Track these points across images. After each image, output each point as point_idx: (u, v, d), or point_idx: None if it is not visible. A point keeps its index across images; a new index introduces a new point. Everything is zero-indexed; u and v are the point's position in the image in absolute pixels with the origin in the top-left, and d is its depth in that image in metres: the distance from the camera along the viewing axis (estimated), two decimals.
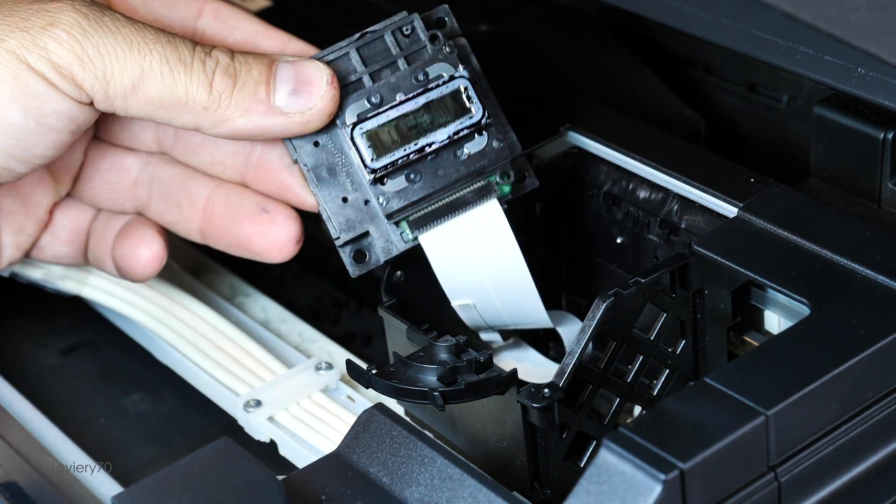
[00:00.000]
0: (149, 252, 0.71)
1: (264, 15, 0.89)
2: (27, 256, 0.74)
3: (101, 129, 0.72)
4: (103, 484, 0.66)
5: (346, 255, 0.66)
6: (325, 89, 0.65)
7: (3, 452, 0.67)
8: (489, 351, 0.67)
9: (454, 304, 0.66)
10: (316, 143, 0.66)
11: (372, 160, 0.65)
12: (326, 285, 0.84)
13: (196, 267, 0.83)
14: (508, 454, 0.62)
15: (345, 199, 0.66)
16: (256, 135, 0.65)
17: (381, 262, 0.66)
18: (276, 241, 0.69)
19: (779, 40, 0.67)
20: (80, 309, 0.79)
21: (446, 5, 0.68)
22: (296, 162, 0.66)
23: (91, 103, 0.65)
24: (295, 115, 0.65)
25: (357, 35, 0.66)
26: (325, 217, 0.66)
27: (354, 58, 0.66)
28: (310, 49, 0.69)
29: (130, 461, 0.70)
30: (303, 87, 0.65)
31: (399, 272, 0.67)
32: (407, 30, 0.66)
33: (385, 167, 0.65)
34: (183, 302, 0.78)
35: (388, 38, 0.66)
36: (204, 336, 0.76)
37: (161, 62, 0.64)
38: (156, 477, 0.57)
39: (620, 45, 0.84)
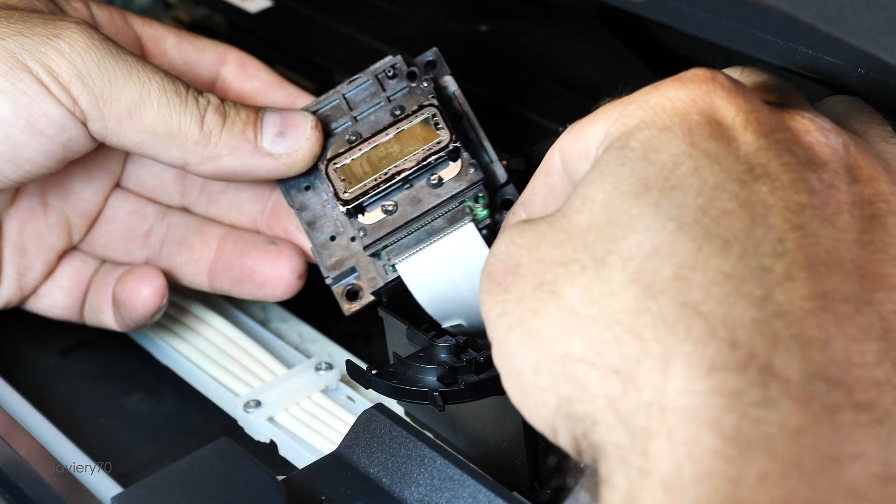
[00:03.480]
0: (150, 288, 0.71)
1: (264, 15, 0.89)
2: (22, 304, 0.74)
3: (131, 177, 0.74)
4: (103, 484, 0.66)
5: (338, 295, 0.68)
6: (310, 133, 0.67)
7: (3, 452, 0.67)
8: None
9: (444, 325, 0.66)
10: (307, 188, 0.68)
11: (344, 192, 0.65)
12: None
13: None
14: (508, 454, 0.62)
15: (333, 238, 0.68)
16: (243, 174, 0.67)
17: (371, 299, 0.67)
18: (279, 270, 0.70)
19: (779, 40, 0.66)
20: None
21: (436, 48, 0.69)
22: (291, 208, 0.68)
23: (85, 124, 0.65)
24: (281, 157, 0.67)
25: (346, 82, 0.69)
26: (316, 258, 0.68)
27: (342, 105, 0.68)
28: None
29: (130, 461, 0.70)
30: (289, 129, 0.67)
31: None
32: (390, 71, 0.68)
33: (357, 197, 0.65)
34: (183, 303, 0.78)
35: (374, 82, 0.68)
36: (204, 336, 0.76)
37: (159, 91, 0.65)
38: (156, 477, 0.58)
39: (620, 45, 0.84)
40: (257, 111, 0.68)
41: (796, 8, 0.47)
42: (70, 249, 0.74)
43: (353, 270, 0.67)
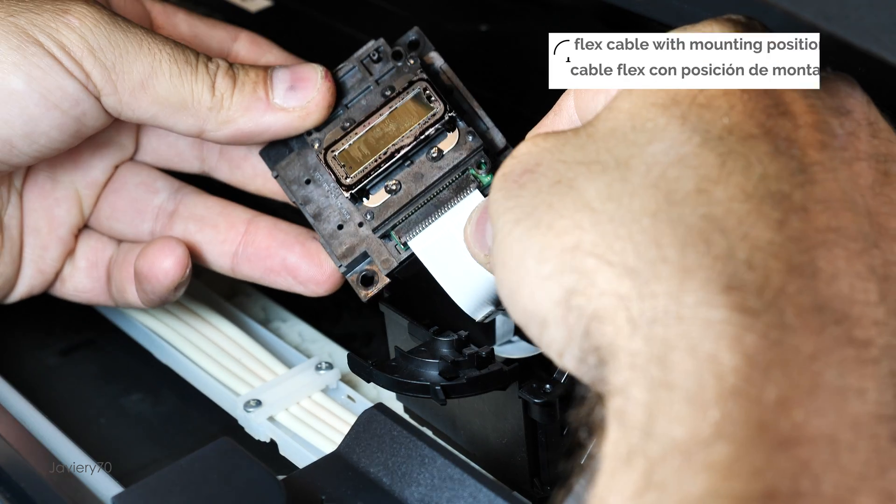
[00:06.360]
0: (172, 258, 0.69)
1: (264, 15, 0.89)
2: (49, 290, 0.73)
3: (146, 148, 0.73)
4: (103, 484, 0.66)
5: (353, 283, 0.67)
6: (321, 83, 0.67)
7: (4, 453, 0.67)
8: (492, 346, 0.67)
9: (478, 318, 0.65)
10: (308, 181, 0.68)
11: (345, 178, 0.65)
12: None
13: (196, 267, 0.83)
14: (509, 450, 0.62)
15: (340, 227, 0.67)
16: (258, 133, 0.67)
17: (387, 281, 0.67)
18: (325, 268, 0.69)
19: None
20: (80, 309, 0.79)
21: (417, 27, 0.69)
22: (294, 203, 0.68)
23: (99, 98, 0.65)
24: (295, 110, 0.66)
25: (332, 71, 0.69)
26: (325, 249, 0.68)
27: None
28: None
29: (130, 461, 0.70)
30: (299, 82, 0.67)
31: None
32: (374, 55, 0.68)
33: (359, 180, 0.65)
34: (183, 302, 0.78)
35: (360, 68, 0.68)
36: (204, 336, 0.76)
37: (170, 62, 0.65)
38: (156, 477, 0.58)
39: None
40: (266, 69, 0.68)
41: (798, 6, 0.47)
42: (84, 227, 0.74)
43: (364, 256, 0.67)
